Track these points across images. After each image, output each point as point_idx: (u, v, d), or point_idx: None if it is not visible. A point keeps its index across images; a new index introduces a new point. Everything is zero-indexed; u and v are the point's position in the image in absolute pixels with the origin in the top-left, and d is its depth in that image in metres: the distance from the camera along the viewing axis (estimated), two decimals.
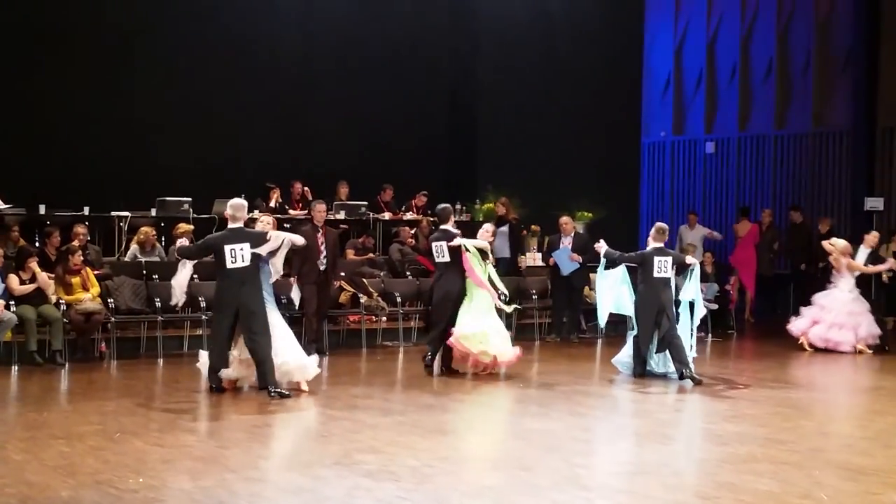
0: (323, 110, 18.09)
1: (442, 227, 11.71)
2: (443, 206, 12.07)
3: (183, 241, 11.63)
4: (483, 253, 11.41)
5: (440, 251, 11.51)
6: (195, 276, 13.53)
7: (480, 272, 11.32)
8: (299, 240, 10.41)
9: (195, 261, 10.66)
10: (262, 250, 10.01)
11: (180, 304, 11.06)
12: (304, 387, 10.16)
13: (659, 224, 11.94)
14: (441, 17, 19.39)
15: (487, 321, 11.32)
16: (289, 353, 10.06)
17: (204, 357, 10.22)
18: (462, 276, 11.40)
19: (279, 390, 9.82)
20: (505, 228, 16.01)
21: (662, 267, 11.45)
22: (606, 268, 11.92)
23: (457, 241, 11.43)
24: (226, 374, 10.05)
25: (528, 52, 19.43)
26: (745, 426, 8.97)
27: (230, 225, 10.15)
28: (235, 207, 10.19)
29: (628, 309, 11.72)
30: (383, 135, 18.46)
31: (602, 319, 12.22)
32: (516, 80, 19.32)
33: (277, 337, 10.00)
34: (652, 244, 11.67)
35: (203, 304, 13.00)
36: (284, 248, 10.15)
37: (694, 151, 22.69)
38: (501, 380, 11.37)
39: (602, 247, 11.87)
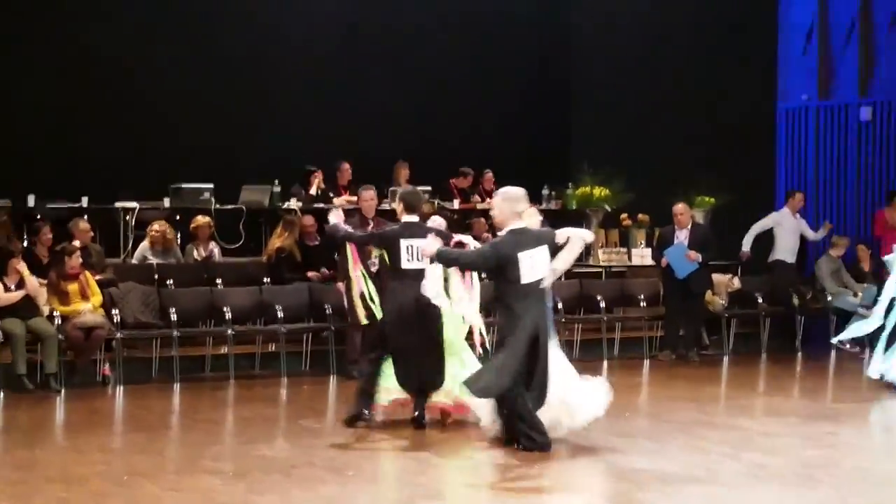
0: (378, 77, 18.20)
1: (408, 218, 10.40)
2: (411, 188, 10.99)
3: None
4: None
5: (412, 253, 10.21)
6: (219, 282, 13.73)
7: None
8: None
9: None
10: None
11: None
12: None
13: None
14: None
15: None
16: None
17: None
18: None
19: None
20: None
21: None
22: None
23: (462, 238, 10.31)
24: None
25: (634, 2, 19.33)
26: None
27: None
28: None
29: None
30: (455, 106, 18.54)
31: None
32: (619, 37, 19.23)
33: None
34: None
35: (228, 316, 13.16)
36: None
37: (845, 119, 22.37)
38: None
39: None
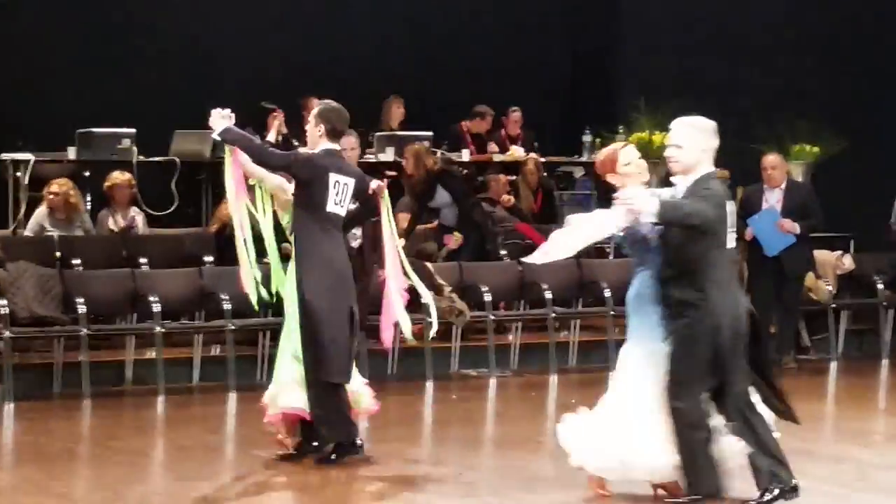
0: None
1: (329, 145, 10.22)
2: (334, 104, 10.40)
3: None
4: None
5: (340, 193, 10.10)
6: None
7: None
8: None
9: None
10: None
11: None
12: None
13: None
14: None
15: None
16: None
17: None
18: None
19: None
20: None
21: None
22: None
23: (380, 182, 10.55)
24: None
25: None
26: None
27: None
28: None
29: None
30: (466, 24, 18.70)
31: None
32: None
33: None
34: None
35: (157, 308, 13.06)
36: None
37: None
38: None
39: None
